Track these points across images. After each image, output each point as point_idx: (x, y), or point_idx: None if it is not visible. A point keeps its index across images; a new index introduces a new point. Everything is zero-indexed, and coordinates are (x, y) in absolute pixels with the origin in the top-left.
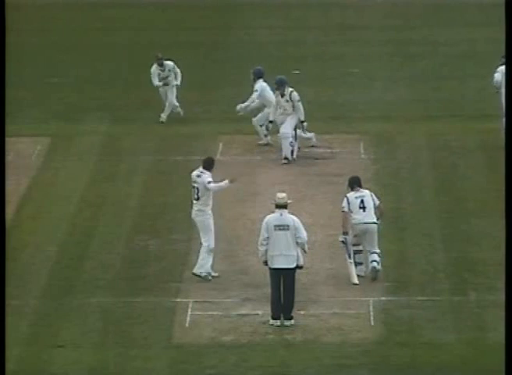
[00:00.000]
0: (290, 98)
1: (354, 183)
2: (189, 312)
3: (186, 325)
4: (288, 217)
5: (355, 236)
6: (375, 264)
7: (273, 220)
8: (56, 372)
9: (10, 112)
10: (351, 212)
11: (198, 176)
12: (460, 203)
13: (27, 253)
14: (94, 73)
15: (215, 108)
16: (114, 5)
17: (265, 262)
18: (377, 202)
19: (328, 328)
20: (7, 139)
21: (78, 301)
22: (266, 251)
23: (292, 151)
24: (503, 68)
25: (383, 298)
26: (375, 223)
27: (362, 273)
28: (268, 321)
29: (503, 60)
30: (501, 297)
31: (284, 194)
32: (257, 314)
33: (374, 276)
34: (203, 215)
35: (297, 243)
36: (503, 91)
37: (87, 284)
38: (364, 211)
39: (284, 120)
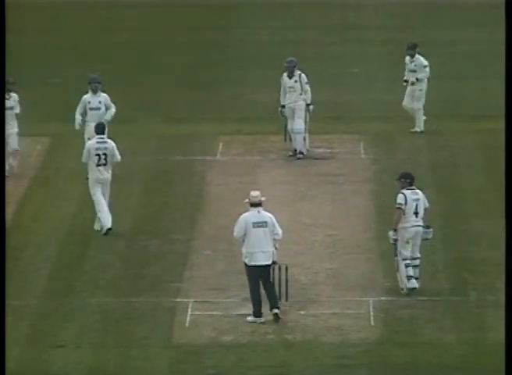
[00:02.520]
0: (299, 79)
1: (408, 179)
2: (189, 312)
3: (186, 325)
4: (265, 214)
5: (407, 242)
6: (413, 283)
7: (251, 218)
8: (56, 372)
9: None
10: (404, 214)
11: (104, 142)
12: (460, 203)
13: (27, 253)
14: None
15: (215, 108)
16: (114, 5)
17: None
18: (427, 205)
19: (328, 328)
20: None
21: (78, 301)
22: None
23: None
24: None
25: (383, 298)
26: (425, 226)
27: (415, 286)
28: (252, 319)
29: (410, 52)
30: (501, 297)
31: (258, 193)
32: None
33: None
34: (109, 177)
35: (274, 239)
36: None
37: (87, 284)
38: (416, 216)
39: (294, 107)
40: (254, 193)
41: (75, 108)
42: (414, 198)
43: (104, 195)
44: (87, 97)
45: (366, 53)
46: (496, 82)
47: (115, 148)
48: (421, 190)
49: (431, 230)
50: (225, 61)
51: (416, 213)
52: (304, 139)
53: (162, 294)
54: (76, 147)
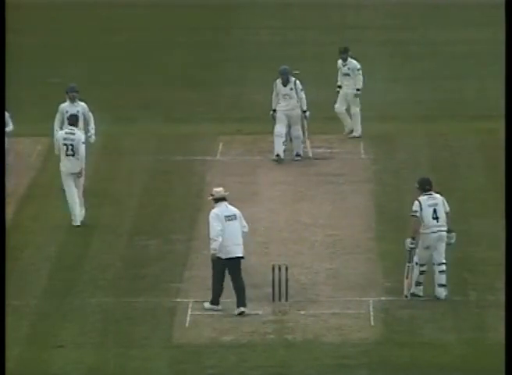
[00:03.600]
0: (295, 86)
1: (426, 185)
2: (189, 312)
3: (186, 325)
4: (232, 208)
5: (427, 248)
6: (441, 292)
7: (223, 211)
8: (56, 372)
9: (10, 112)
10: (422, 220)
11: (72, 133)
12: (460, 203)
13: (27, 253)
14: (94, 73)
15: (215, 108)
16: (114, 5)
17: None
18: (447, 209)
19: (328, 328)
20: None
21: (78, 301)
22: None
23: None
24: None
25: (383, 298)
26: (448, 231)
27: (421, 293)
28: (209, 306)
29: (342, 55)
30: (501, 297)
31: (221, 188)
32: (257, 314)
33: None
34: (79, 169)
35: (243, 232)
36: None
37: (87, 284)
38: (437, 221)
39: (291, 115)
40: (218, 189)
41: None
42: (430, 203)
43: (77, 188)
44: (65, 106)
45: (366, 53)
46: (496, 82)
47: (81, 141)
48: (441, 194)
49: (453, 234)
50: (225, 61)
51: (436, 218)
52: (303, 142)
53: (162, 294)
54: None
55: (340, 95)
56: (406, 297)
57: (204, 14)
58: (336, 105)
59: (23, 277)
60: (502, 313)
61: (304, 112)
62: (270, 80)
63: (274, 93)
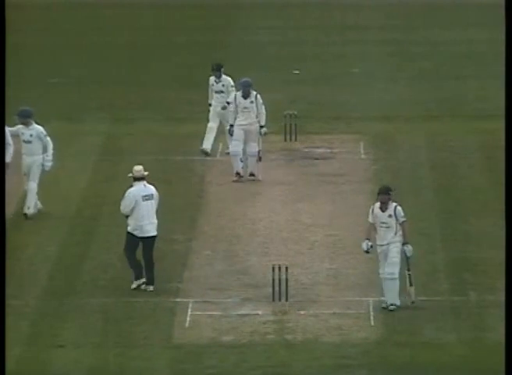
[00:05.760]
0: (256, 100)
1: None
2: (189, 312)
3: (186, 325)
4: (150, 187)
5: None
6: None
7: (140, 191)
8: (56, 372)
9: (10, 112)
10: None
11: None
12: (460, 203)
13: (27, 253)
14: (94, 73)
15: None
16: (114, 5)
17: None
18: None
19: (328, 328)
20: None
21: (78, 301)
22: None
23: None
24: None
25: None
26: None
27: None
28: (135, 284)
29: (215, 72)
30: (501, 297)
31: (141, 167)
32: (257, 314)
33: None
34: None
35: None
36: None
37: (87, 284)
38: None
39: (249, 129)
40: (137, 167)
41: (75, 109)
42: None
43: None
44: (20, 127)
45: (366, 53)
46: (496, 82)
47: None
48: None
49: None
50: (225, 61)
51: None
52: (258, 161)
53: (162, 294)
54: (76, 147)
55: (212, 113)
56: (413, 302)
57: (204, 14)
58: (209, 124)
59: (23, 277)
60: (502, 313)
61: (262, 127)
62: (270, 80)
63: (233, 106)
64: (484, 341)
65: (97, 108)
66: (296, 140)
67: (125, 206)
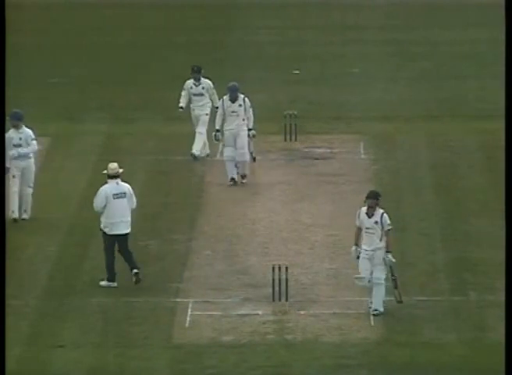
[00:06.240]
0: (244, 103)
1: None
2: (189, 312)
3: (186, 325)
4: (124, 185)
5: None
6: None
7: (111, 189)
8: (56, 372)
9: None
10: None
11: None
12: (460, 203)
13: (27, 253)
14: (94, 73)
15: (215, 108)
16: (114, 5)
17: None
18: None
19: (328, 328)
20: None
21: (78, 301)
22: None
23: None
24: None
25: (383, 298)
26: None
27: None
28: (106, 284)
29: (195, 75)
30: (501, 297)
31: (116, 164)
32: (257, 314)
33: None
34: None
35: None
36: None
37: (87, 284)
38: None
39: (238, 133)
40: (112, 165)
41: (75, 109)
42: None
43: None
44: (10, 132)
45: (366, 53)
46: (496, 82)
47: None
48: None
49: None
50: (225, 61)
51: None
52: (253, 161)
53: (162, 294)
54: (76, 147)
55: (193, 117)
56: (400, 302)
57: (204, 14)
58: (197, 129)
59: (23, 277)
60: (502, 313)
61: (250, 130)
62: (270, 80)
63: (220, 111)
64: (484, 341)
65: (97, 108)
66: (296, 140)
67: (96, 204)
